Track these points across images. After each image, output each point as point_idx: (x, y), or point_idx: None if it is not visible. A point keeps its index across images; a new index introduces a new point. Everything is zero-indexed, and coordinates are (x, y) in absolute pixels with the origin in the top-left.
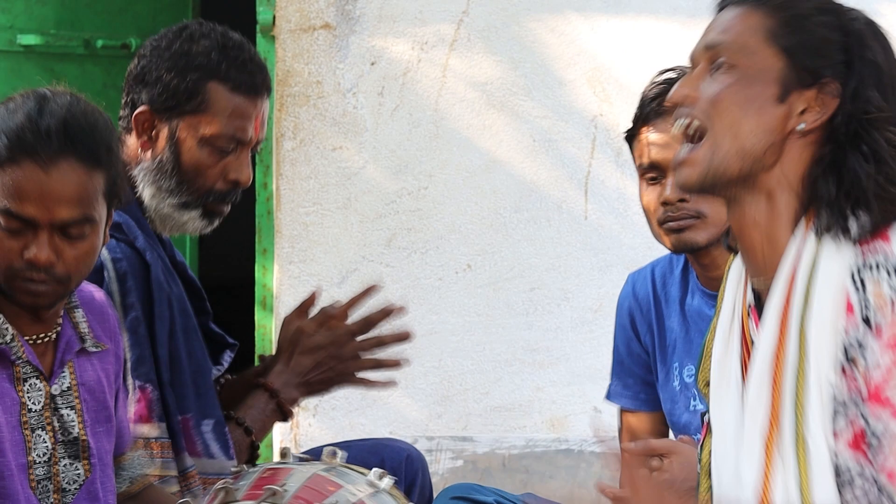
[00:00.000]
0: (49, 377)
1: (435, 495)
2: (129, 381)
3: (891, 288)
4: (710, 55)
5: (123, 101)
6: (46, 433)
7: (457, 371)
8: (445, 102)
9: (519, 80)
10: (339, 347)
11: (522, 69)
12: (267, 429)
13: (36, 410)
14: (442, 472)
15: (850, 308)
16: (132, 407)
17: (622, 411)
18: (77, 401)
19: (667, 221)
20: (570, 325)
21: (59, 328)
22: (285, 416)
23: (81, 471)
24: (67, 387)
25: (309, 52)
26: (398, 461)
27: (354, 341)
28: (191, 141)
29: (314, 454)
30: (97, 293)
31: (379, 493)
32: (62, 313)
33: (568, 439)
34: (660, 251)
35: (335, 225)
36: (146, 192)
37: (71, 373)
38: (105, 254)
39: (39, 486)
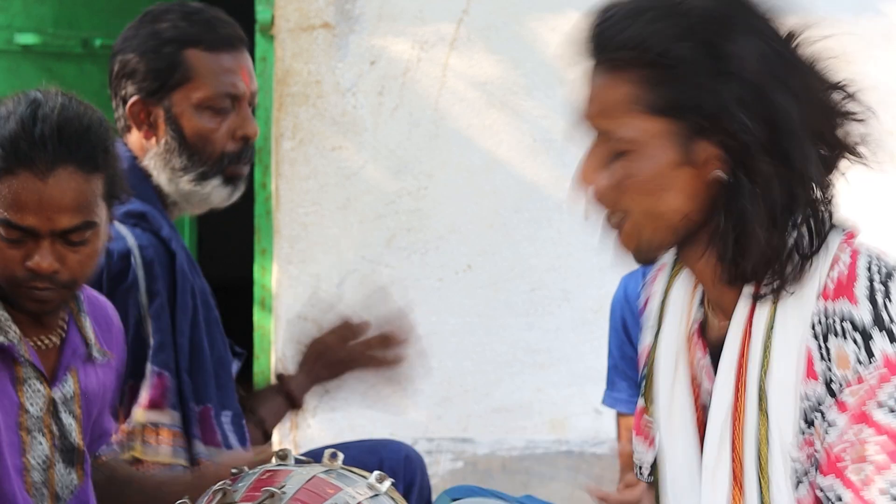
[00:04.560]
0: (52, 381)
1: (434, 497)
2: (148, 366)
3: (855, 355)
4: (602, 137)
5: (115, 103)
6: (44, 437)
7: (457, 372)
8: (445, 102)
9: (519, 80)
10: (358, 363)
11: (523, 68)
12: (279, 420)
13: (35, 414)
14: (442, 473)
15: (811, 371)
16: (146, 392)
17: (619, 415)
18: (78, 408)
19: None
20: (570, 325)
21: (63, 333)
22: (297, 407)
23: (75, 477)
24: (70, 394)
25: (308, 51)
26: (397, 462)
27: (373, 358)
28: (188, 112)
29: (314, 456)
30: (105, 302)
31: (379, 497)
32: (68, 319)
33: (568, 441)
34: None
35: (335, 225)
36: (162, 178)
37: (75, 380)
38: (132, 241)
39: (36, 490)
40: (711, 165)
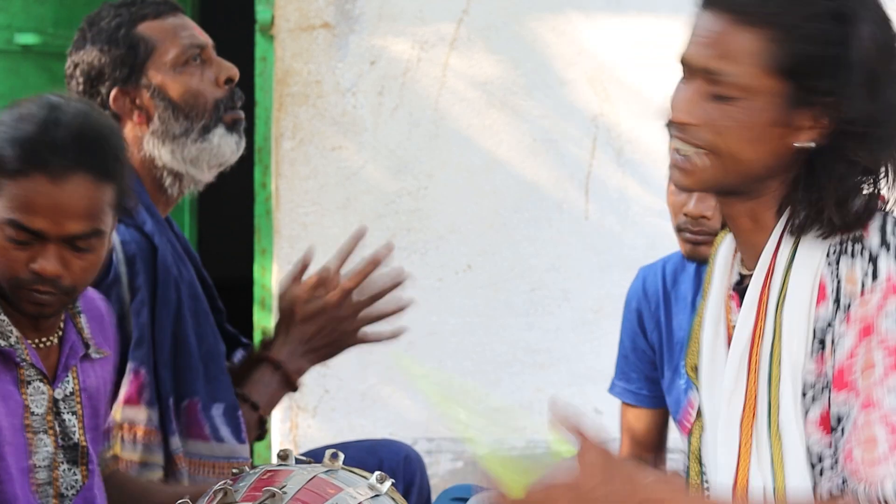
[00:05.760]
0: (52, 381)
1: (434, 497)
2: (128, 363)
3: (863, 272)
4: (706, 78)
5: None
6: (49, 437)
7: (457, 372)
8: (445, 102)
9: (519, 80)
10: (337, 308)
11: (523, 68)
12: (274, 402)
13: (39, 414)
14: (442, 473)
15: (823, 294)
16: (124, 389)
17: (623, 406)
18: (79, 406)
19: (685, 230)
20: (570, 325)
21: (60, 332)
22: (293, 387)
23: (79, 476)
24: (71, 392)
25: (308, 51)
26: (396, 462)
27: (351, 300)
28: (168, 77)
29: (314, 456)
30: (97, 298)
31: (379, 497)
32: (65, 318)
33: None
34: (661, 251)
35: (335, 225)
36: (164, 153)
37: (74, 378)
38: (114, 237)
39: (40, 490)
40: (805, 134)
